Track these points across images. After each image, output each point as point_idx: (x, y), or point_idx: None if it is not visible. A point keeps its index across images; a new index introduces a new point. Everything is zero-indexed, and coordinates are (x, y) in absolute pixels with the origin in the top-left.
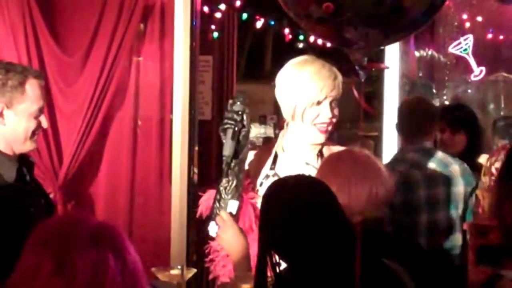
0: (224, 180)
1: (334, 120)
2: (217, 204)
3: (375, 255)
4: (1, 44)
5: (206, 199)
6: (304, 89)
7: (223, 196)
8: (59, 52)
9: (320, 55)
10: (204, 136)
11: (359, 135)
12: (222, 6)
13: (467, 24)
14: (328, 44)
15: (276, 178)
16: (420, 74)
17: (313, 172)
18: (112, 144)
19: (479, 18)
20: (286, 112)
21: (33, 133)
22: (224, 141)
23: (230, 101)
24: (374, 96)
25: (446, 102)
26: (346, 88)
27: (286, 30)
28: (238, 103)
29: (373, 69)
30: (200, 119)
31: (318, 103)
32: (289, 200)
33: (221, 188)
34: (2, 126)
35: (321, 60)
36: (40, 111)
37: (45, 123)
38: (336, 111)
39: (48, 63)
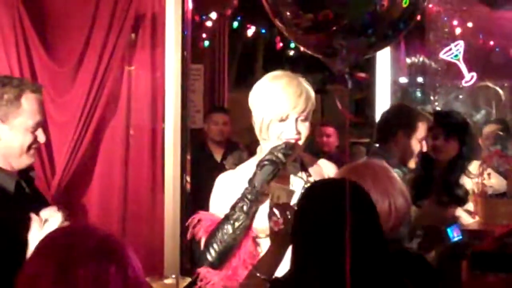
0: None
1: (300, 136)
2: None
3: (398, 274)
4: None
5: (201, 221)
6: (268, 105)
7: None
8: (51, 62)
9: (311, 63)
10: (196, 144)
11: (350, 142)
12: (213, 15)
13: (458, 30)
14: None
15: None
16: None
17: (301, 183)
18: (105, 153)
19: (470, 24)
20: (255, 126)
21: (29, 147)
22: (258, 171)
23: (283, 145)
24: (365, 102)
25: (438, 108)
26: (336, 95)
27: (277, 38)
28: (287, 150)
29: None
30: (192, 128)
31: (282, 119)
32: (332, 204)
33: (231, 221)
34: None
35: (294, 75)
36: (37, 125)
37: (42, 137)
38: (303, 128)
39: (40, 74)
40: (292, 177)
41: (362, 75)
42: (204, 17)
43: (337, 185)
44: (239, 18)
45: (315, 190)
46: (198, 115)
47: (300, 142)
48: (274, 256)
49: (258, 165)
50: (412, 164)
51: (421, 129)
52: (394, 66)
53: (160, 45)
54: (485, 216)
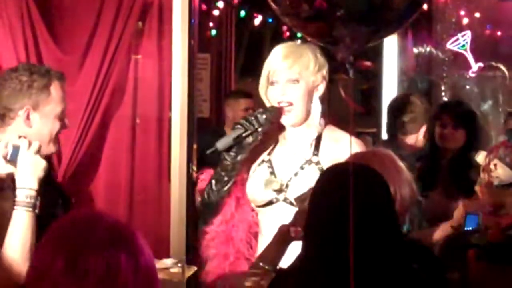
0: (216, 173)
1: (289, 99)
2: (208, 193)
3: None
4: (0, 43)
5: (205, 178)
6: (263, 69)
7: (213, 188)
8: (57, 51)
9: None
10: (202, 133)
11: (356, 132)
12: (220, 4)
13: (465, 20)
14: None
15: (267, 165)
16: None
17: (301, 162)
18: (111, 142)
19: (477, 14)
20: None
21: (57, 134)
22: (227, 134)
23: (261, 110)
24: (372, 92)
25: (444, 98)
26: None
27: (284, 27)
28: (265, 116)
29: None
30: (199, 117)
31: (272, 82)
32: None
33: (213, 181)
34: (28, 129)
35: (303, 44)
36: (64, 112)
37: (67, 124)
38: (292, 90)
39: (47, 62)
40: (292, 153)
41: (367, 63)
42: (211, 6)
43: (350, 170)
44: (246, 7)
45: (326, 176)
46: (205, 104)
47: (296, 108)
48: (278, 248)
49: (233, 127)
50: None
51: None
52: (401, 56)
53: (167, 34)
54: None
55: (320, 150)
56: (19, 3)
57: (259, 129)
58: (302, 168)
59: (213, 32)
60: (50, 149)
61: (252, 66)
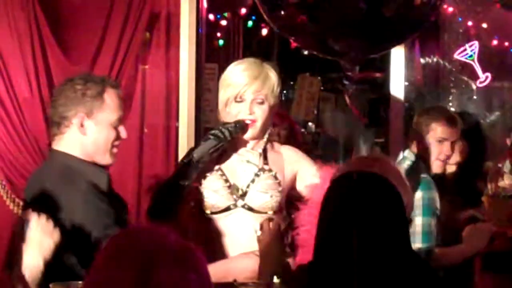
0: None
1: (255, 117)
2: None
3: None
4: (8, 53)
5: None
6: (227, 84)
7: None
8: (66, 61)
9: (325, 62)
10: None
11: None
12: (227, 14)
13: (473, 31)
14: None
15: (219, 173)
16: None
17: (254, 170)
18: (119, 151)
19: (484, 25)
20: (218, 108)
21: (112, 145)
22: (201, 143)
23: (232, 123)
24: (379, 102)
25: (452, 109)
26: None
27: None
28: (236, 128)
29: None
30: (206, 127)
31: (238, 100)
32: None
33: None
34: (83, 137)
35: (259, 61)
36: (119, 121)
37: (124, 133)
38: (259, 110)
39: (55, 72)
40: (245, 163)
41: (375, 74)
42: (218, 16)
43: (361, 178)
44: (253, 17)
45: (338, 182)
46: (212, 114)
47: (257, 124)
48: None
49: (203, 138)
50: (437, 168)
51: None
52: (409, 66)
53: (174, 44)
54: (498, 217)
55: (268, 159)
56: (27, 13)
57: (225, 142)
58: (257, 175)
59: (221, 42)
60: (107, 160)
61: None
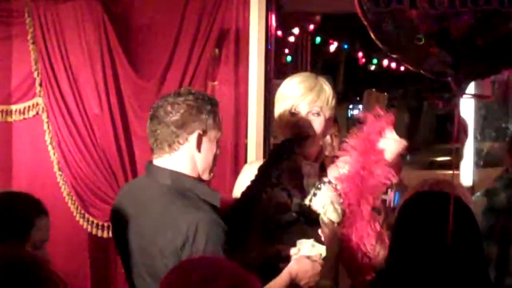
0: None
1: (312, 131)
2: None
3: None
4: (79, 68)
5: None
6: (283, 98)
7: None
8: (135, 77)
9: (392, 78)
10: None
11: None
12: (296, 30)
13: None
14: (402, 68)
15: (280, 187)
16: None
17: (315, 183)
18: None
19: None
20: (275, 122)
21: (214, 161)
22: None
23: (291, 136)
24: (448, 119)
25: None
26: (420, 112)
27: (359, 54)
28: (294, 140)
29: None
30: (275, 143)
31: (294, 113)
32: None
33: None
34: (197, 154)
35: (315, 75)
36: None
37: (219, 151)
38: (315, 122)
39: (124, 88)
40: (305, 175)
41: (487, 96)
42: (287, 32)
43: (438, 198)
44: (321, 33)
45: (416, 202)
46: None
47: (314, 137)
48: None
49: (315, 187)
50: None
51: None
52: (478, 82)
53: (243, 61)
54: None
55: (328, 172)
56: (98, 30)
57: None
58: (318, 188)
59: (289, 58)
60: (209, 176)
61: None
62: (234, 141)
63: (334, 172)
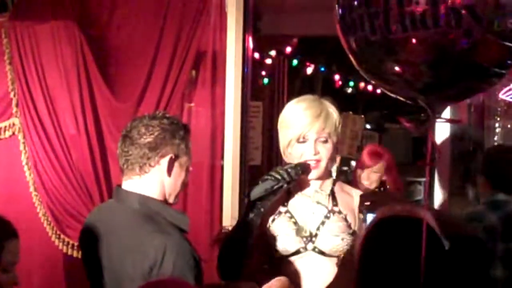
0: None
1: (320, 157)
2: None
3: None
4: (55, 89)
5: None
6: (288, 125)
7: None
8: (112, 98)
9: (369, 101)
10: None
11: (407, 180)
12: (273, 52)
13: None
14: (378, 90)
15: (287, 215)
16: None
17: (324, 212)
18: None
19: None
20: (280, 148)
21: (182, 187)
22: (259, 183)
23: (292, 164)
24: (424, 141)
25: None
26: (396, 134)
27: (336, 77)
28: (297, 170)
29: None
30: (251, 165)
31: (301, 140)
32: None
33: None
34: (167, 178)
35: (317, 97)
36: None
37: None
38: (323, 149)
39: (101, 109)
40: (314, 204)
41: (458, 120)
42: (264, 55)
43: (407, 223)
44: (298, 56)
45: (383, 227)
46: (256, 152)
47: (322, 164)
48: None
49: (261, 178)
50: None
51: None
52: (454, 106)
53: (220, 83)
54: None
55: (337, 200)
56: (75, 52)
57: (288, 184)
58: (327, 217)
59: (266, 80)
60: (175, 201)
61: None
62: (210, 163)
63: (344, 200)
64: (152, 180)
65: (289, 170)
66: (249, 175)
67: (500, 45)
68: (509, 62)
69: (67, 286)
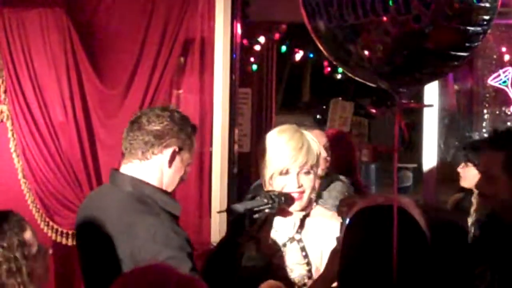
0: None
1: (303, 189)
2: None
3: None
4: (43, 75)
5: None
6: (270, 158)
7: None
8: (101, 85)
9: (358, 87)
10: (243, 168)
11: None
12: (261, 39)
13: (506, 57)
14: None
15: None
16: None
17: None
18: None
19: None
20: (261, 179)
21: (179, 184)
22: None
23: (277, 193)
24: (413, 127)
25: (485, 135)
26: (387, 119)
27: (325, 63)
28: (280, 198)
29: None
30: (239, 151)
31: (283, 173)
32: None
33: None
34: (166, 168)
35: (299, 129)
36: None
37: (186, 176)
38: (306, 180)
39: (90, 95)
40: (277, 233)
41: (428, 104)
42: (252, 41)
43: (384, 211)
44: (287, 42)
45: (361, 216)
46: (245, 138)
47: (305, 196)
48: None
49: (245, 197)
50: None
51: None
52: (442, 92)
53: (208, 69)
54: None
55: (305, 227)
56: (63, 38)
57: (270, 209)
58: (284, 245)
59: (254, 67)
60: (171, 191)
61: (292, 101)
62: (199, 150)
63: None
64: (152, 167)
65: (273, 197)
66: (238, 162)
67: (451, 29)
68: (467, 44)
69: (56, 272)
